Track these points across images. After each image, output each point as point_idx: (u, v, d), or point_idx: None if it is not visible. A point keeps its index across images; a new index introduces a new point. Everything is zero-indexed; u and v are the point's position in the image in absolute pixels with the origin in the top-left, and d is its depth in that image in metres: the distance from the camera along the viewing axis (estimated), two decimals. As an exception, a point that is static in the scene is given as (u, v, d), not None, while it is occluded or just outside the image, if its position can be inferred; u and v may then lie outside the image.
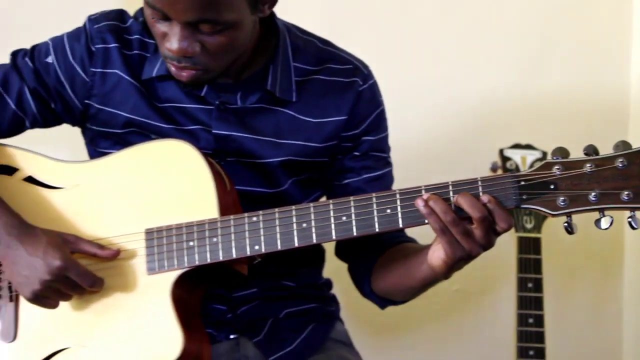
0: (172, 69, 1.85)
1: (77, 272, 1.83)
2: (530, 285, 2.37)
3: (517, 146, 2.57)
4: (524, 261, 2.40)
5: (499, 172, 2.55)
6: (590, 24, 2.90)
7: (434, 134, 2.76)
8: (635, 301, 2.86)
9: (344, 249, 2.06)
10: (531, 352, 2.30)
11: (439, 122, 2.78)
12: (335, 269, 2.15)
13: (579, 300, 2.88)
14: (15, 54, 2.02)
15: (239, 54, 1.89)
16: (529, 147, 2.59)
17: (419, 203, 1.67)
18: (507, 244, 2.50)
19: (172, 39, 1.79)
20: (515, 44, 2.87)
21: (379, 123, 2.04)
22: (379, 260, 1.99)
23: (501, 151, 2.56)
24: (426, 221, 1.69)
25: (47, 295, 1.85)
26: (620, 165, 1.63)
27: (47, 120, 2.02)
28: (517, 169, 2.54)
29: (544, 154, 2.57)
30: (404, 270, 1.89)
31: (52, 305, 1.86)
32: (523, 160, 2.55)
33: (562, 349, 2.71)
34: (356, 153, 2.02)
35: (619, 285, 2.90)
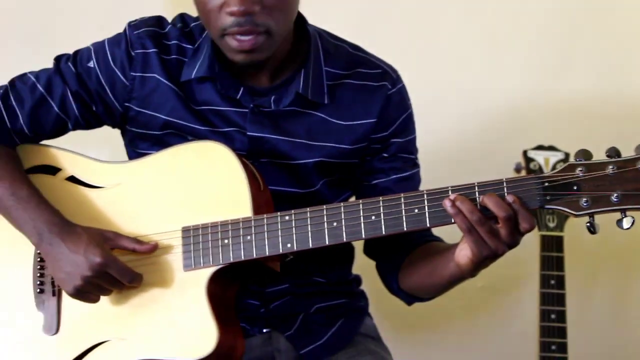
0: (234, 42, 1.85)
1: (117, 268, 1.86)
2: (552, 282, 2.39)
3: (540, 147, 2.58)
4: (547, 259, 2.42)
5: (523, 172, 2.57)
6: (612, 26, 2.90)
7: (460, 136, 2.78)
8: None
9: (373, 247, 2.09)
10: (553, 347, 2.33)
11: (465, 124, 2.79)
12: (364, 266, 2.17)
13: (600, 297, 2.89)
14: (58, 59, 2.06)
15: (291, 23, 1.92)
16: (552, 148, 2.60)
17: (447, 203, 1.70)
18: (530, 242, 2.51)
19: (231, 3, 1.82)
20: (539, 47, 2.87)
21: (407, 125, 2.07)
22: (406, 258, 2.02)
23: (525, 152, 2.57)
24: (453, 221, 1.72)
25: (89, 291, 1.89)
26: (643, 167, 1.65)
27: (88, 122, 2.06)
28: (540, 169, 2.55)
29: (567, 155, 2.58)
30: (431, 267, 1.92)
31: (93, 300, 1.91)
32: (546, 161, 2.56)
33: (584, 345, 2.71)
34: (385, 154, 2.05)
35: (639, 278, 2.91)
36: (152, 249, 1.90)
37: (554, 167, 2.55)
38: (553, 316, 2.35)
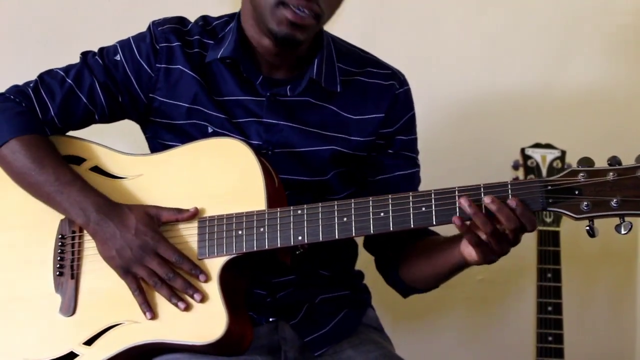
0: (289, 14, 1.87)
1: (165, 247, 1.87)
2: (549, 275, 2.39)
3: (537, 145, 2.57)
4: (544, 253, 2.42)
5: (520, 170, 2.56)
6: (610, 26, 2.88)
7: (460, 134, 2.77)
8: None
9: (373, 241, 2.11)
10: (550, 338, 2.32)
11: (464, 123, 2.78)
12: (366, 263, 2.18)
13: (596, 290, 2.88)
14: (85, 54, 2.08)
15: (331, 17, 1.96)
16: (548, 146, 2.58)
17: (456, 221, 1.72)
18: (528, 237, 2.44)
19: None
20: (536, 48, 2.87)
21: (411, 125, 2.11)
22: (407, 250, 2.03)
23: (522, 150, 2.56)
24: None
25: (136, 271, 1.88)
26: (642, 175, 1.66)
27: (113, 113, 2.07)
28: (537, 167, 2.54)
29: (563, 152, 2.57)
30: (435, 257, 1.94)
31: (137, 284, 1.89)
32: (543, 158, 2.55)
33: (579, 336, 2.72)
34: (390, 151, 2.08)
35: (634, 278, 2.90)
36: (193, 215, 1.90)
37: (550, 165, 2.54)
38: (550, 308, 2.35)
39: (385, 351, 2.05)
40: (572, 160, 2.49)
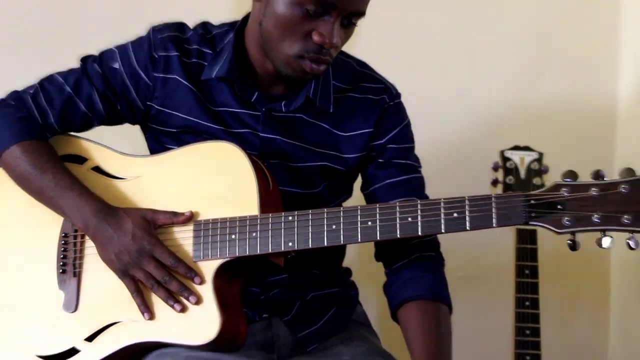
0: (308, 66, 1.75)
1: (161, 251, 1.75)
2: (527, 272, 2.28)
3: (516, 148, 2.45)
4: (522, 250, 2.30)
5: (500, 171, 2.44)
6: (582, 38, 2.79)
7: (443, 138, 2.68)
8: (620, 285, 2.79)
9: (383, 254, 1.95)
10: (527, 332, 2.22)
11: (448, 127, 2.71)
12: (352, 260, 2.09)
13: (569, 285, 2.79)
14: (84, 60, 1.95)
15: None
16: (527, 148, 2.47)
17: None
18: (506, 235, 2.41)
19: (328, 33, 1.70)
20: (515, 57, 2.77)
21: (404, 135, 1.95)
22: (403, 308, 1.86)
23: (502, 152, 2.45)
24: (443, 230, 1.62)
25: (134, 273, 1.77)
26: (624, 190, 1.53)
27: (112, 119, 1.95)
28: (516, 168, 2.42)
29: (541, 154, 2.45)
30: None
31: (136, 285, 1.78)
32: (521, 160, 2.44)
33: (555, 329, 2.64)
34: (380, 160, 1.93)
35: (607, 275, 2.81)
36: (188, 219, 1.78)
37: (528, 166, 2.41)
38: (527, 303, 2.25)
39: (372, 345, 1.94)
40: (548, 161, 2.38)
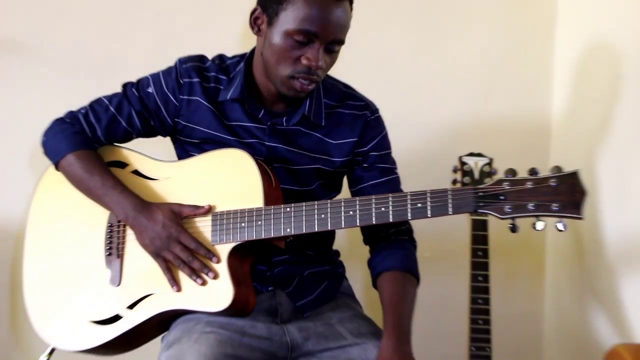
0: (298, 85, 1.76)
1: (185, 237, 1.76)
2: (480, 253, 2.25)
3: (471, 154, 2.43)
4: (476, 236, 2.27)
5: (458, 172, 2.42)
6: (524, 64, 2.74)
7: (412, 147, 2.66)
8: (553, 264, 2.77)
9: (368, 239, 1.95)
10: (480, 301, 2.20)
11: (415, 137, 2.68)
12: (342, 243, 2.07)
13: (512, 263, 2.77)
14: (125, 86, 1.95)
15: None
16: (480, 155, 2.44)
17: None
18: (463, 224, 2.39)
19: (314, 58, 1.72)
20: (470, 79, 2.73)
21: (382, 143, 1.95)
22: (380, 277, 1.86)
23: (460, 158, 2.43)
24: (409, 217, 1.62)
25: (164, 255, 1.78)
26: (553, 184, 1.54)
27: (147, 133, 1.95)
28: (471, 171, 2.40)
29: (491, 159, 2.43)
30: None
31: (166, 264, 1.79)
32: (476, 164, 2.41)
33: (502, 299, 2.62)
34: (365, 165, 1.92)
35: (542, 255, 2.77)
36: (208, 211, 1.79)
37: (481, 169, 2.39)
38: (480, 278, 2.22)
39: (355, 311, 1.94)
40: (497, 165, 2.35)
